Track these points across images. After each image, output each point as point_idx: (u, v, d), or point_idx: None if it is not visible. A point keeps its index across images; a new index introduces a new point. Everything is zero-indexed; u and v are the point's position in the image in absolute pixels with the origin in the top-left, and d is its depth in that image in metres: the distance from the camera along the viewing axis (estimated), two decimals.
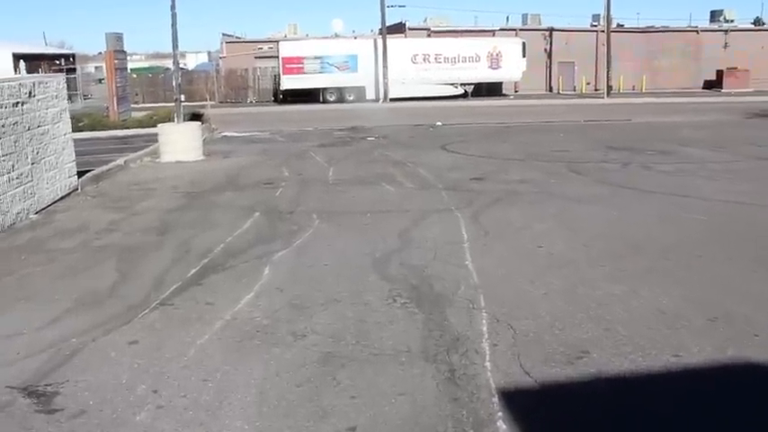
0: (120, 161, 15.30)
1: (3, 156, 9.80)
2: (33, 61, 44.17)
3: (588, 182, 12.32)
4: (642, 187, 11.58)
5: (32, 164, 10.67)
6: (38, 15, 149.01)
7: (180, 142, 16.26)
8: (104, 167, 14.28)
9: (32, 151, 10.72)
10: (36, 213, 10.57)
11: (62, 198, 11.65)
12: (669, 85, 46.01)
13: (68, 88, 41.04)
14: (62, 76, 12.16)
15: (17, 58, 42.03)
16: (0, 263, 8.02)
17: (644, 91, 45.76)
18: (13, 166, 10.03)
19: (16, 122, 10.23)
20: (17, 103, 10.31)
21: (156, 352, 5.34)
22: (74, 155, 12.39)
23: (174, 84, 17.66)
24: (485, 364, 4.89)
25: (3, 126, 9.85)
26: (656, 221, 9.17)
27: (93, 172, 13.62)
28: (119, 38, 25.45)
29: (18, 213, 10.07)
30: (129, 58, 67.02)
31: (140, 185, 13.02)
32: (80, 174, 13.38)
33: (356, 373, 4.83)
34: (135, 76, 45.51)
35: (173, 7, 16.16)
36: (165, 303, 6.43)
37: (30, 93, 10.74)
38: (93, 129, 24.12)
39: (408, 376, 4.77)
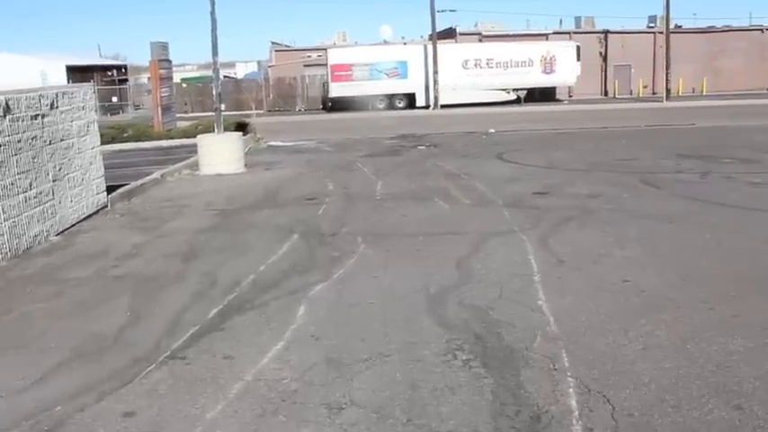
0: (157, 174, 14.31)
1: (19, 174, 8.79)
2: (86, 73, 44.13)
3: (666, 196, 10.83)
4: (733, 203, 10.05)
5: (54, 181, 9.67)
6: (94, 28, 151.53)
7: (219, 154, 15.21)
8: (138, 182, 13.29)
9: (54, 167, 9.71)
10: (57, 235, 9.56)
11: (88, 217, 10.64)
12: (732, 87, 43.68)
13: (119, 99, 40.86)
14: (89, 86, 11.20)
15: (70, 70, 41.97)
16: (1, 297, 6.98)
17: (705, 94, 43.53)
18: (30, 185, 9.03)
19: (35, 137, 9.23)
20: (36, 115, 9.31)
21: (154, 429, 4.16)
22: (102, 170, 11.39)
23: (213, 93, 16.62)
24: None
25: (19, 141, 8.85)
26: (767, 247, 7.71)
27: (125, 187, 12.62)
28: (164, 47, 24.67)
29: (36, 236, 9.06)
30: (182, 68, 67.09)
31: (173, 202, 11.96)
32: (114, 188, 12.43)
33: None
34: (185, 85, 45.13)
35: (212, 12, 15.13)
36: (175, 356, 5.25)
37: (51, 104, 9.75)
38: (137, 139, 23.40)
39: None
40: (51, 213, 9.54)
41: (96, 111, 39.48)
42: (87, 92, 10.98)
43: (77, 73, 42.87)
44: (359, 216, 10.15)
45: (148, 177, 13.97)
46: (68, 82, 40.97)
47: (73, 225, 10.11)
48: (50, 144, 9.64)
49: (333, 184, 13.35)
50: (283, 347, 5.31)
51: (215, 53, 15.60)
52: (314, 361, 5.03)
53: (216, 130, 16.22)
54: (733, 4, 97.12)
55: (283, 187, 13.11)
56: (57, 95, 9.90)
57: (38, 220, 9.15)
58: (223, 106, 17.52)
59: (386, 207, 10.76)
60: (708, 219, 9.05)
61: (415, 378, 4.67)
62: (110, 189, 12.33)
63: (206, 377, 4.85)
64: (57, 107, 9.89)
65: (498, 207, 10.34)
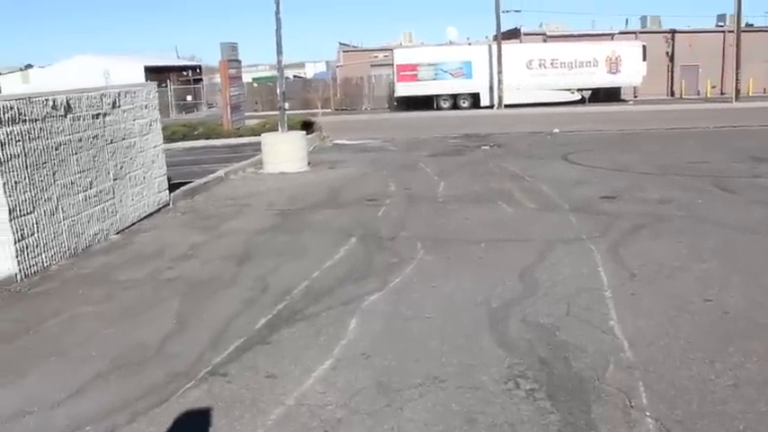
0: (221, 173, 13.99)
1: (79, 172, 8.51)
2: (162, 73, 44.67)
3: (744, 203, 9.88)
4: None
5: (115, 180, 9.37)
6: (173, 32, 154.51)
7: (283, 152, 14.81)
8: (202, 180, 12.98)
9: (115, 166, 9.41)
10: (117, 233, 9.26)
11: (150, 215, 10.34)
12: None
13: (194, 97, 41.09)
14: (152, 85, 10.86)
15: (148, 70, 42.52)
16: (53, 299, 6.66)
17: None
18: (90, 183, 8.74)
19: (96, 136, 8.94)
20: (98, 114, 9.01)
21: None
22: (165, 168, 11.07)
23: (278, 92, 16.23)
24: None
25: (80, 140, 8.57)
26: None
27: (189, 185, 12.32)
28: (233, 47, 24.47)
29: (96, 234, 8.77)
30: (255, 68, 67.43)
31: (236, 200, 11.58)
32: (178, 186, 12.15)
33: None
34: (256, 85, 45.19)
35: (277, 12, 14.71)
36: (216, 372, 4.76)
37: (114, 103, 9.45)
38: (207, 137, 23.27)
39: None
40: (112, 212, 9.24)
41: (172, 109, 39.80)
42: (150, 91, 10.66)
43: (154, 73, 43.35)
44: (419, 219, 9.56)
45: (212, 175, 13.66)
46: (146, 81, 41.56)
47: (134, 223, 9.82)
48: (112, 143, 9.34)
49: (395, 184, 12.79)
50: (330, 367, 4.77)
51: (279, 52, 15.20)
52: (362, 384, 4.47)
53: (280, 128, 15.84)
54: None
55: (346, 187, 12.61)
56: (119, 95, 9.60)
57: (98, 219, 8.86)
58: (287, 105, 17.10)
59: (447, 210, 10.13)
60: None
61: (472, 409, 4.06)
62: (175, 186, 12.07)
63: (245, 399, 4.34)
64: (119, 106, 9.58)
65: (564, 212, 9.59)
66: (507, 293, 6.12)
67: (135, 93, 10.13)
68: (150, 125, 10.56)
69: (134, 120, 10.03)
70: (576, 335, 5.08)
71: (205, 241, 8.72)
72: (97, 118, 8.99)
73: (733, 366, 4.47)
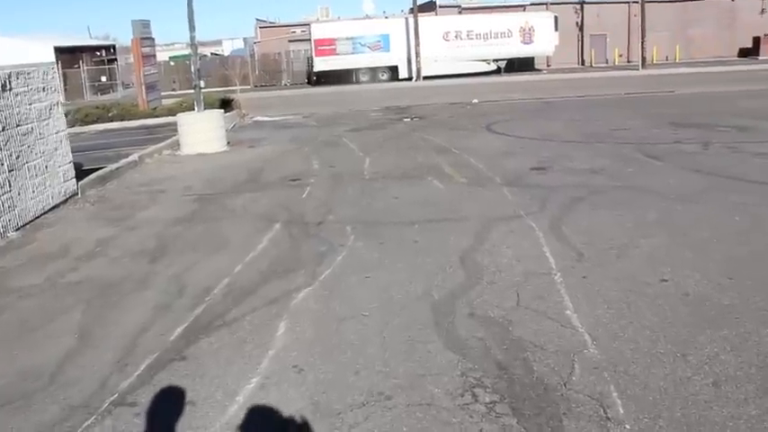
0: (135, 156, 12.82)
1: None
2: (75, 53, 42.07)
3: (674, 170, 9.49)
4: (748, 177, 8.73)
5: (10, 171, 8.21)
6: (84, 11, 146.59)
7: (201, 132, 13.72)
8: (114, 165, 11.81)
9: (10, 156, 8.25)
10: (16, 230, 8.13)
11: (55, 207, 9.21)
12: (703, 54, 42.26)
13: (109, 78, 38.88)
14: (49, 65, 9.67)
15: (58, 50, 39.89)
16: None
17: (678, 61, 42.07)
18: None
19: None
20: None
21: None
22: (70, 155, 9.90)
23: (192, 69, 15.03)
24: None
25: None
26: None
27: (99, 172, 11.15)
28: (145, 24, 22.89)
29: None
30: (172, 46, 64.56)
31: (150, 186, 10.53)
32: (89, 172, 11.00)
33: None
34: (173, 63, 43.11)
35: None
36: (123, 402, 3.90)
37: (3, 86, 8.25)
38: (122, 118, 21.77)
39: None
40: (9, 207, 8.10)
41: (86, 90, 37.37)
42: (48, 71, 9.44)
43: (67, 53, 40.78)
44: (347, 200, 8.79)
45: (126, 160, 12.50)
46: (57, 63, 38.98)
47: (36, 218, 8.69)
48: (3, 130, 8.17)
49: (318, 162, 11.95)
50: (258, 386, 3.98)
51: (192, 28, 14.00)
52: (297, 406, 3.71)
53: (196, 107, 14.69)
54: None
55: (267, 167, 11.70)
56: (9, 76, 8.39)
57: None
58: (203, 83, 15.95)
59: (375, 188, 9.39)
60: (728, 197, 7.71)
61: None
62: (86, 173, 10.92)
63: None
64: (10, 89, 8.39)
65: (497, 186, 8.99)
66: (449, 282, 5.44)
67: (29, 74, 8.92)
68: (50, 109, 9.37)
69: (30, 104, 8.83)
70: (531, 330, 4.43)
71: (114, 235, 7.72)
72: None
73: (708, 360, 3.90)
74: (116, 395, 3.99)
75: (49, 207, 9.07)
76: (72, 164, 9.93)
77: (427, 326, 4.64)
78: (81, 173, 10.79)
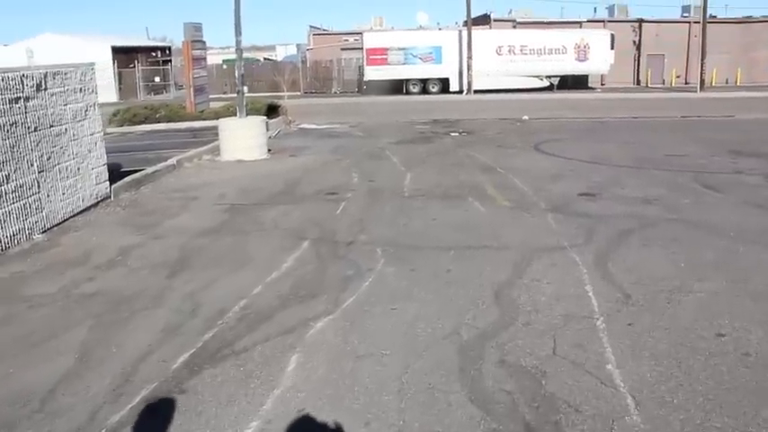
0: (174, 160, 12.65)
1: None
2: (130, 53, 42.75)
3: (735, 204, 8.83)
4: None
5: (40, 172, 8.03)
6: (144, 11, 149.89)
7: (241, 139, 13.49)
8: (151, 169, 11.63)
9: (40, 156, 8.07)
10: (43, 232, 7.94)
11: (86, 210, 9.02)
12: (766, 78, 40.73)
13: (163, 79, 39.40)
14: (89, 66, 9.46)
15: (115, 50, 40.58)
16: None
17: (739, 85, 40.64)
18: (7, 177, 7.39)
19: (14, 123, 7.58)
20: (17, 98, 7.65)
21: None
22: (105, 157, 9.72)
23: (236, 74, 14.85)
24: None
25: None
26: None
27: (134, 175, 10.97)
28: (197, 27, 22.94)
29: (14, 235, 7.45)
30: (227, 50, 65.26)
31: (184, 192, 10.29)
32: (127, 174, 10.84)
33: None
34: (225, 67, 43.49)
35: None
36: None
37: (38, 86, 8.09)
38: (169, 120, 21.82)
39: None
40: (36, 208, 7.91)
41: (140, 90, 38.00)
42: (87, 72, 9.28)
43: (122, 53, 41.49)
44: (382, 218, 8.37)
45: (164, 163, 12.32)
46: (114, 62, 39.63)
47: (65, 220, 8.50)
48: (36, 131, 7.98)
49: (358, 175, 11.58)
50: (257, 431, 3.59)
51: (238, 32, 13.80)
52: None
53: (238, 113, 14.49)
54: None
55: (305, 178, 11.37)
56: (45, 76, 8.23)
57: (17, 218, 7.53)
58: (247, 89, 15.74)
59: (414, 207, 8.95)
60: None
61: None
62: (123, 175, 10.76)
63: None
64: (45, 89, 8.22)
65: (541, 212, 8.46)
66: (480, 321, 4.97)
67: (66, 74, 8.75)
68: (86, 110, 9.20)
69: (65, 104, 8.67)
70: (567, 386, 3.94)
71: (139, 243, 7.45)
72: (16, 102, 7.63)
73: None
74: (103, 431, 3.64)
75: (79, 210, 8.88)
76: (106, 166, 9.75)
77: (451, 372, 4.18)
78: (119, 174, 10.64)
